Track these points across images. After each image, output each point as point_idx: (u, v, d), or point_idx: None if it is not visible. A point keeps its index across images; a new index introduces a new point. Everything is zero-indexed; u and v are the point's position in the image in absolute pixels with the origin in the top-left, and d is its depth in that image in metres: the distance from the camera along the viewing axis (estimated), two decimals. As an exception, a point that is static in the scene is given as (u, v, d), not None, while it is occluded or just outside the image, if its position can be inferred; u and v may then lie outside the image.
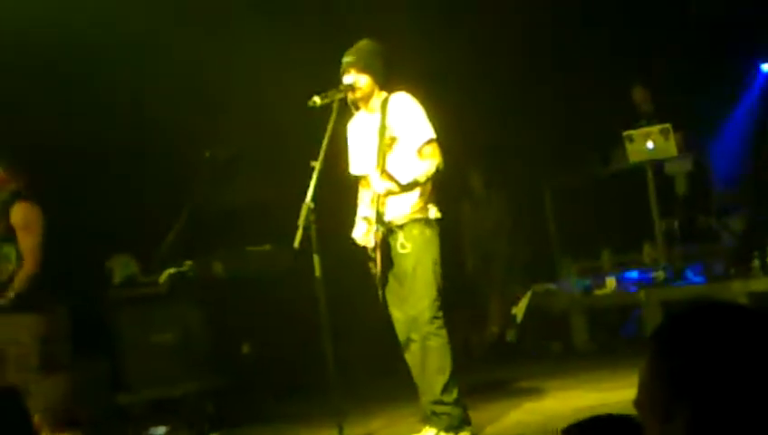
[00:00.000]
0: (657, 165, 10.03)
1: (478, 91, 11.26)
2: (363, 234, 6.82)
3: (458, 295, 9.52)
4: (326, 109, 6.77)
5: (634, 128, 10.11)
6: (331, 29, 8.40)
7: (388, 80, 6.93)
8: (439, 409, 6.71)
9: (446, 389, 6.69)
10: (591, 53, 11.29)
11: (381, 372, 9.19)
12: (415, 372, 6.93)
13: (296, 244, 6.48)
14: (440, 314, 6.74)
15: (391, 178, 6.62)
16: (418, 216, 6.74)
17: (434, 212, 6.81)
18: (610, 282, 10.20)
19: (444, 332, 6.74)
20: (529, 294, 10.75)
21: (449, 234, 9.54)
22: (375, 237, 6.70)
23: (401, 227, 6.73)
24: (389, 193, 6.66)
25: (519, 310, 10.74)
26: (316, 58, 7.71)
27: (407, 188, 6.66)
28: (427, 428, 6.79)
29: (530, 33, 11.22)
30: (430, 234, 6.77)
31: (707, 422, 1.71)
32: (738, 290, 9.02)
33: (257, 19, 10.29)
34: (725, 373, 1.72)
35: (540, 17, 11.09)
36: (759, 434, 1.71)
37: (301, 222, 6.50)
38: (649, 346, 1.84)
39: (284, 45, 9.98)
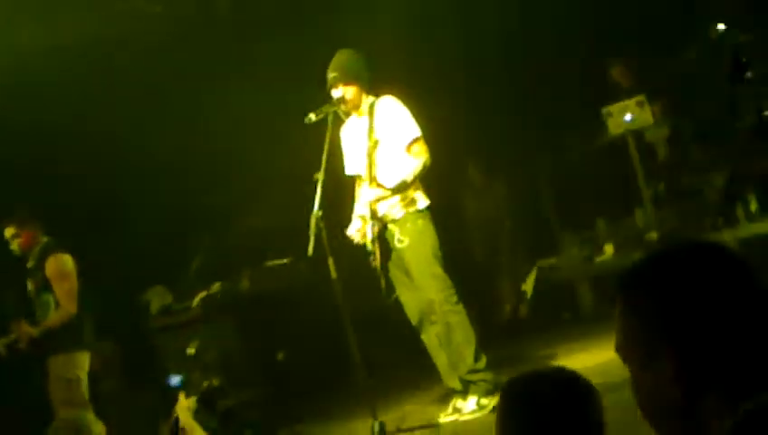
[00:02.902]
0: (638, 134, 10.14)
1: (467, 86, 11.40)
2: (357, 230, 6.99)
3: (471, 282, 9.66)
4: (322, 123, 6.96)
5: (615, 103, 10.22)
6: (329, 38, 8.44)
7: (373, 83, 7.11)
8: (476, 377, 6.89)
9: (477, 356, 6.91)
10: (568, 38, 11.38)
11: (406, 358, 9.33)
12: (433, 352, 7.10)
13: (310, 251, 6.67)
14: (452, 290, 6.93)
15: (381, 186, 6.81)
16: (409, 208, 6.92)
17: (422, 201, 6.98)
18: (608, 247, 10.36)
19: (461, 306, 6.93)
20: (535, 269, 10.92)
21: (453, 223, 9.76)
22: (372, 233, 6.87)
23: (394, 221, 6.91)
24: (380, 199, 6.85)
25: (528, 286, 10.91)
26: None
27: (396, 191, 6.86)
28: (467, 397, 6.92)
29: (507, 27, 11.32)
30: (422, 223, 6.95)
31: (690, 357, 1.71)
32: (728, 238, 9.13)
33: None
34: (702, 308, 1.72)
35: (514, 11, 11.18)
36: (740, 362, 1.70)
37: (311, 231, 6.68)
38: (622, 290, 1.84)
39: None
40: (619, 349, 1.85)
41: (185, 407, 7.85)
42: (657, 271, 1.82)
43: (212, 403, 8.26)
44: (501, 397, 2.27)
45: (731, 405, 1.68)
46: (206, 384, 8.55)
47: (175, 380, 8.73)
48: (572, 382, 2.22)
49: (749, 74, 5.40)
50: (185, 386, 8.50)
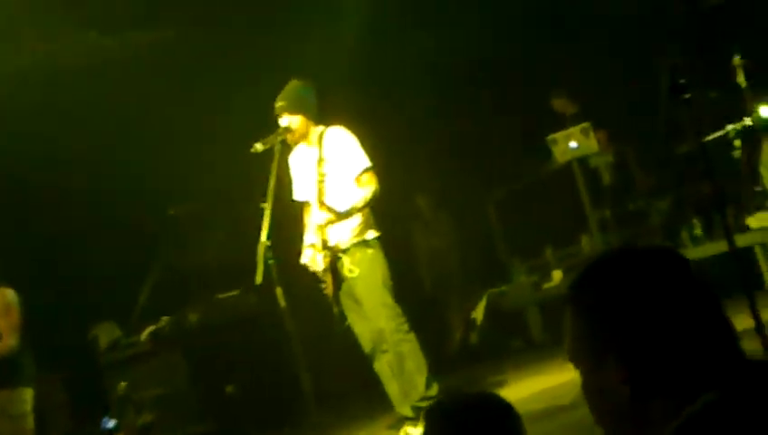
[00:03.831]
0: (583, 161, 10.18)
1: (414, 117, 11.44)
2: (310, 259, 6.94)
3: (420, 312, 9.61)
4: (269, 152, 6.90)
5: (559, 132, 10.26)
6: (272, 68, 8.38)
7: (321, 114, 7.07)
8: (427, 403, 6.76)
9: (429, 384, 6.87)
10: (512, 68, 11.46)
11: (357, 387, 9.25)
12: (385, 380, 7.05)
13: (258, 280, 6.59)
14: (402, 319, 6.90)
15: (330, 209, 6.78)
16: (359, 239, 6.90)
17: (372, 232, 6.96)
18: (556, 274, 10.37)
19: (412, 335, 6.90)
20: (485, 297, 10.89)
21: (403, 255, 9.72)
22: (323, 262, 6.83)
23: (345, 251, 6.88)
24: (330, 222, 6.81)
25: (478, 313, 10.89)
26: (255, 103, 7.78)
27: (344, 216, 6.83)
28: (418, 424, 6.75)
29: (454, 54, 11.38)
30: (372, 253, 6.92)
31: (636, 361, 1.71)
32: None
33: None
34: (646, 311, 1.71)
35: (462, 37, 11.24)
36: (686, 365, 1.70)
37: (259, 259, 6.61)
38: (569, 297, 1.83)
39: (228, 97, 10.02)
40: (568, 353, 1.84)
41: None
42: (601, 275, 1.81)
43: None
44: (425, 420, 2.35)
45: (678, 407, 1.67)
46: (140, 423, 8.40)
47: (109, 423, 8.53)
48: (491, 402, 2.33)
49: (687, 96, 5.37)
50: (119, 428, 8.35)
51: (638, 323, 1.72)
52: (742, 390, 1.67)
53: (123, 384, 8.82)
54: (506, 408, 2.30)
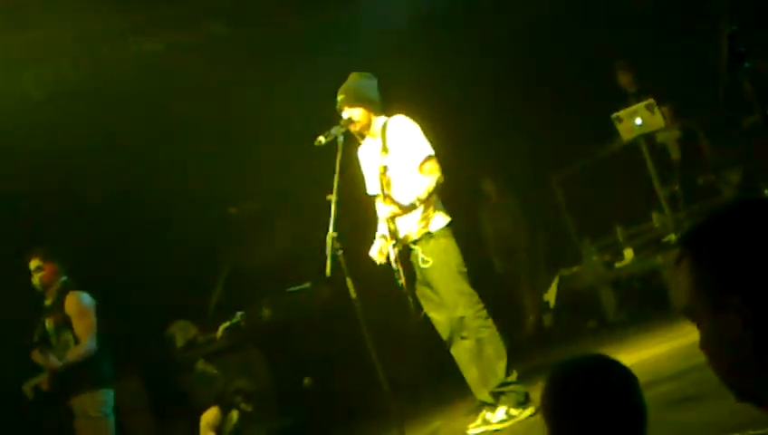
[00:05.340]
0: (649, 138, 9.99)
1: (478, 102, 11.34)
2: (378, 251, 6.87)
3: (493, 295, 9.53)
4: (332, 145, 6.85)
5: (623, 109, 10.09)
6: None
7: (383, 105, 7.01)
8: (507, 389, 6.77)
9: (508, 371, 6.78)
10: (575, 48, 11.31)
11: (432, 376, 9.19)
12: (463, 366, 6.97)
13: (328, 272, 6.53)
14: (480, 305, 6.82)
15: (393, 201, 6.71)
16: (430, 228, 6.81)
17: (442, 220, 6.86)
18: (628, 253, 10.19)
19: (490, 320, 6.83)
20: (557, 279, 10.76)
21: (473, 240, 9.63)
22: (394, 253, 6.77)
23: (416, 241, 6.81)
24: (394, 215, 6.74)
25: (550, 296, 10.76)
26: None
27: (409, 208, 6.74)
28: (496, 409, 6.78)
29: (515, 40, 11.26)
30: (445, 242, 6.83)
31: (760, 306, 1.68)
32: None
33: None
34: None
35: (522, 22, 11.13)
36: None
37: (328, 252, 6.55)
38: (689, 246, 1.82)
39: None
40: (685, 306, 1.82)
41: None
42: (725, 220, 1.80)
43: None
44: (547, 381, 2.31)
45: None
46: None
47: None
48: (614, 367, 2.27)
49: (747, 64, 5.18)
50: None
51: (764, 263, 1.70)
52: None
53: (201, 362, 8.88)
54: (626, 371, 2.27)
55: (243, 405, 8.16)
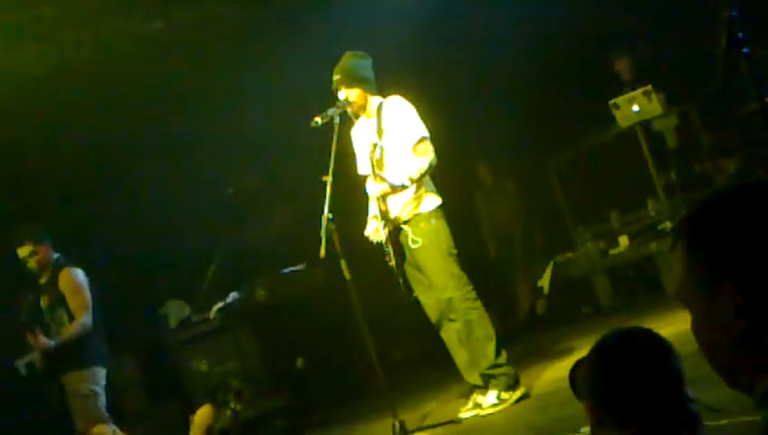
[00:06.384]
0: (646, 125, 9.94)
1: (474, 86, 11.28)
2: (373, 231, 6.85)
3: (487, 280, 9.50)
4: (329, 126, 6.81)
5: (619, 96, 10.04)
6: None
7: (378, 85, 6.97)
8: (497, 371, 6.76)
9: (498, 352, 6.77)
10: (572, 33, 11.24)
11: (425, 357, 9.18)
12: (452, 349, 6.96)
13: (322, 254, 6.52)
14: (469, 287, 6.81)
15: (383, 180, 6.67)
16: (421, 209, 6.78)
17: (434, 201, 6.84)
18: (623, 240, 10.16)
19: (479, 302, 6.81)
20: (551, 265, 10.73)
21: (468, 225, 9.59)
22: (385, 234, 6.74)
23: (407, 222, 6.79)
24: (385, 194, 6.71)
25: (544, 282, 10.72)
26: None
27: (400, 188, 6.71)
28: (487, 392, 6.77)
29: (512, 26, 11.18)
30: (436, 223, 6.81)
31: (754, 292, 1.67)
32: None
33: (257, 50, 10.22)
34: (763, 245, 1.68)
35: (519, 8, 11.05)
36: None
37: (323, 233, 6.54)
38: (683, 229, 1.80)
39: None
40: (679, 289, 1.80)
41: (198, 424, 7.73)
42: (720, 209, 1.77)
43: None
44: (593, 351, 2.37)
45: None
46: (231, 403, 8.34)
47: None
48: (656, 338, 2.35)
49: (745, 50, 5.11)
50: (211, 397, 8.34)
51: (759, 250, 1.68)
52: None
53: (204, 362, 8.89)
54: (668, 344, 2.32)
55: (234, 404, 8.13)
